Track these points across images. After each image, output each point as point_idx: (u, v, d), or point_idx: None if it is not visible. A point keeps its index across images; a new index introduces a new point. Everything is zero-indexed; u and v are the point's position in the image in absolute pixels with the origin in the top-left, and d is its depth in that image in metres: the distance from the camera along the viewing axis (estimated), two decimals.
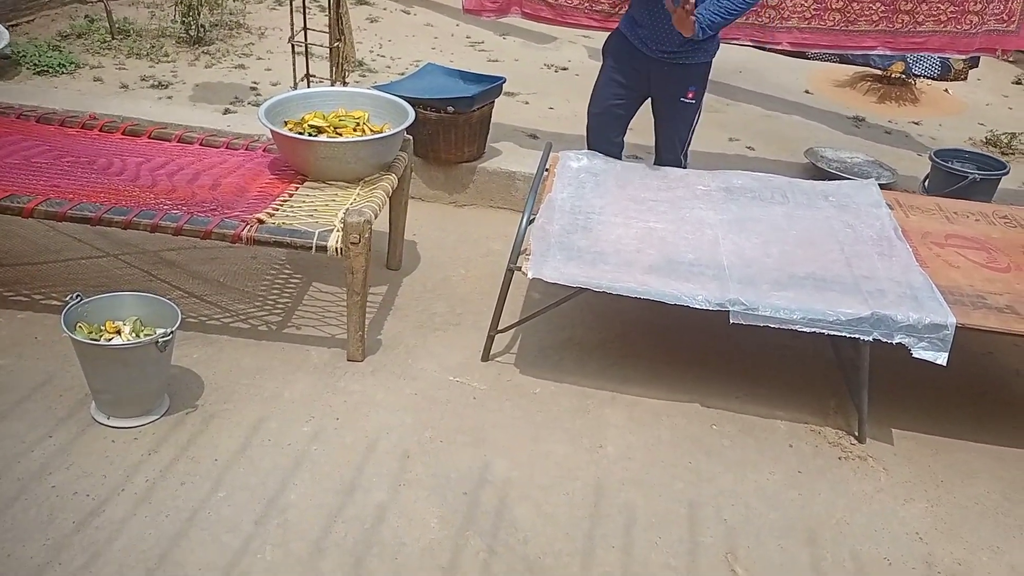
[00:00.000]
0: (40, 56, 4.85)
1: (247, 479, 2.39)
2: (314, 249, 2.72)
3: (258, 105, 3.28)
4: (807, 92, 5.61)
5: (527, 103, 4.96)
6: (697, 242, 3.01)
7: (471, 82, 4.11)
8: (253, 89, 4.86)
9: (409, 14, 6.70)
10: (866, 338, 2.65)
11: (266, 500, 2.33)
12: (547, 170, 3.43)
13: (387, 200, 3.07)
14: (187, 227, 2.73)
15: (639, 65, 3.35)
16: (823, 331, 2.65)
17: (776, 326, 2.66)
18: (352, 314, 2.86)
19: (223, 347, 2.95)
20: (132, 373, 2.45)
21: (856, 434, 2.81)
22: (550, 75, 5.50)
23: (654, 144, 3.60)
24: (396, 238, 3.51)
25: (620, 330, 3.25)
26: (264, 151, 3.36)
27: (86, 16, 5.67)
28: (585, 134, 3.65)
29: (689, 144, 3.59)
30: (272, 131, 3.07)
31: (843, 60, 4.77)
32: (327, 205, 2.95)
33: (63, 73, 4.80)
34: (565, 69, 5.60)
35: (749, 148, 4.66)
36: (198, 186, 3.05)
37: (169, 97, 4.62)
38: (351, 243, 2.72)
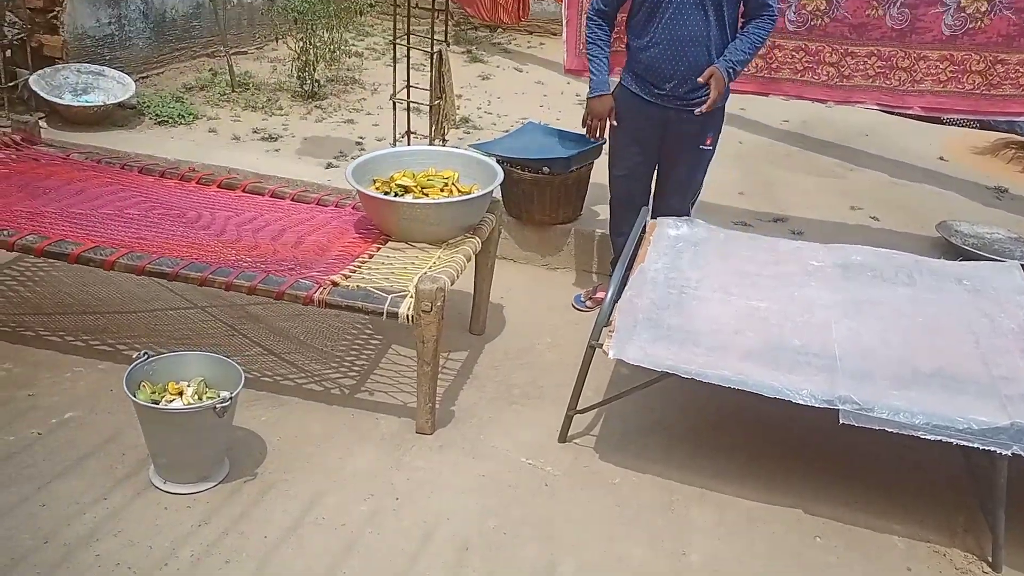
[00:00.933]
0: (162, 106, 5.06)
1: (294, 563, 2.23)
2: (384, 315, 2.59)
3: None
4: (941, 159, 5.16)
5: None
6: (806, 326, 2.69)
7: (570, 142, 3.95)
8: (358, 144, 4.89)
9: (521, 72, 6.68)
10: (1004, 452, 2.26)
11: None
12: (642, 236, 3.21)
13: (467, 264, 2.92)
14: (261, 287, 2.67)
15: (653, 116, 3.25)
16: (951, 440, 2.28)
17: (894, 431, 2.31)
18: (422, 385, 2.70)
19: (293, 409, 2.85)
20: (189, 438, 2.37)
21: (990, 560, 2.40)
22: None
23: (654, 193, 3.45)
24: (480, 302, 3.35)
25: (714, 417, 2.95)
26: (353, 208, 3.30)
27: (210, 69, 5.92)
28: (610, 199, 3.52)
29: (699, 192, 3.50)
30: (357, 190, 3.00)
31: (983, 126, 4.35)
32: (405, 268, 2.83)
33: (181, 124, 4.97)
34: None
35: (873, 218, 4.28)
36: (281, 243, 3.00)
37: (277, 150, 4.70)
38: (423, 311, 2.57)
